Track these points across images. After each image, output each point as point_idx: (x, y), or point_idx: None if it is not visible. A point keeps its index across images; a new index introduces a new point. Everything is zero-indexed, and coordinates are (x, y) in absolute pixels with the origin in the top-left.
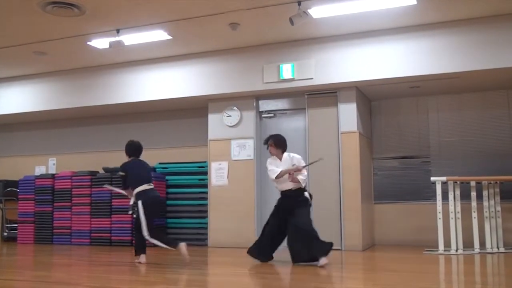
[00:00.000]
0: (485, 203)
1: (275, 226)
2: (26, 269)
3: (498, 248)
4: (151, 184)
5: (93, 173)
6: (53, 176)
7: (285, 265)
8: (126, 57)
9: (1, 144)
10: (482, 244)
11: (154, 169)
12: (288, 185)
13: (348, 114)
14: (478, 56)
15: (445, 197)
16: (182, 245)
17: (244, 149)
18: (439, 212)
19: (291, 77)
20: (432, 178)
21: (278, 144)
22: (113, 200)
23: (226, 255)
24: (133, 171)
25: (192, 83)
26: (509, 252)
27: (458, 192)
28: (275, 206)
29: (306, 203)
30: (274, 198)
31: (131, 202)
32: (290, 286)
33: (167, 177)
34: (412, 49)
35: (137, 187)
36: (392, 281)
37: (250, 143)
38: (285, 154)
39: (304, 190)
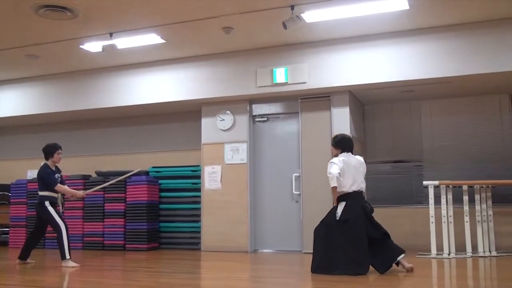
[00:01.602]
0: (477, 207)
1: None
2: (18, 274)
3: (490, 251)
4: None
5: (85, 177)
6: None
7: (280, 269)
8: (119, 60)
9: None
10: (474, 248)
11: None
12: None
13: (341, 118)
14: (470, 61)
15: (437, 201)
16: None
17: (237, 153)
18: (432, 216)
19: (284, 81)
20: (425, 182)
21: (334, 144)
22: (105, 204)
23: (219, 259)
24: None
25: (185, 86)
26: (501, 256)
27: (450, 196)
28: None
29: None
30: (267, 202)
31: None
32: None
33: (160, 181)
34: (405, 54)
35: None
36: (384, 285)
37: (244, 147)
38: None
39: (339, 199)
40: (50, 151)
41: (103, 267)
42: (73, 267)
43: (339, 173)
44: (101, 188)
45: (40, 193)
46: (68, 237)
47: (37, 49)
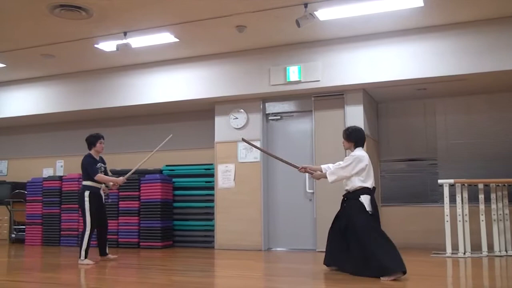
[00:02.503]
0: (493, 206)
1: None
2: (34, 271)
3: (506, 251)
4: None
5: None
6: (60, 178)
7: (294, 268)
8: (133, 59)
9: (9, 146)
10: (490, 247)
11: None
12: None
13: (355, 116)
14: (485, 58)
15: (452, 199)
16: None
17: (250, 152)
18: (447, 215)
19: (297, 79)
20: (440, 181)
21: (346, 136)
22: (120, 202)
23: (233, 258)
24: None
25: (198, 85)
26: None
27: (465, 195)
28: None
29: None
30: (280, 200)
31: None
32: None
33: (173, 179)
34: (419, 51)
35: None
36: (399, 284)
37: (257, 145)
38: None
39: (358, 192)
40: (92, 141)
41: (117, 265)
42: (88, 264)
43: (345, 177)
44: (137, 168)
45: (83, 182)
46: (90, 237)
47: (52, 48)
